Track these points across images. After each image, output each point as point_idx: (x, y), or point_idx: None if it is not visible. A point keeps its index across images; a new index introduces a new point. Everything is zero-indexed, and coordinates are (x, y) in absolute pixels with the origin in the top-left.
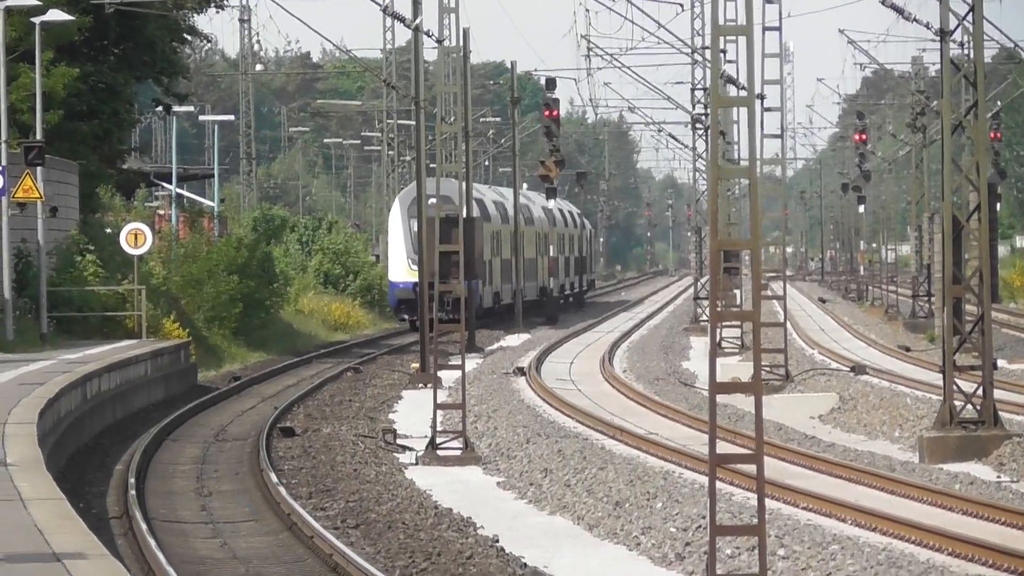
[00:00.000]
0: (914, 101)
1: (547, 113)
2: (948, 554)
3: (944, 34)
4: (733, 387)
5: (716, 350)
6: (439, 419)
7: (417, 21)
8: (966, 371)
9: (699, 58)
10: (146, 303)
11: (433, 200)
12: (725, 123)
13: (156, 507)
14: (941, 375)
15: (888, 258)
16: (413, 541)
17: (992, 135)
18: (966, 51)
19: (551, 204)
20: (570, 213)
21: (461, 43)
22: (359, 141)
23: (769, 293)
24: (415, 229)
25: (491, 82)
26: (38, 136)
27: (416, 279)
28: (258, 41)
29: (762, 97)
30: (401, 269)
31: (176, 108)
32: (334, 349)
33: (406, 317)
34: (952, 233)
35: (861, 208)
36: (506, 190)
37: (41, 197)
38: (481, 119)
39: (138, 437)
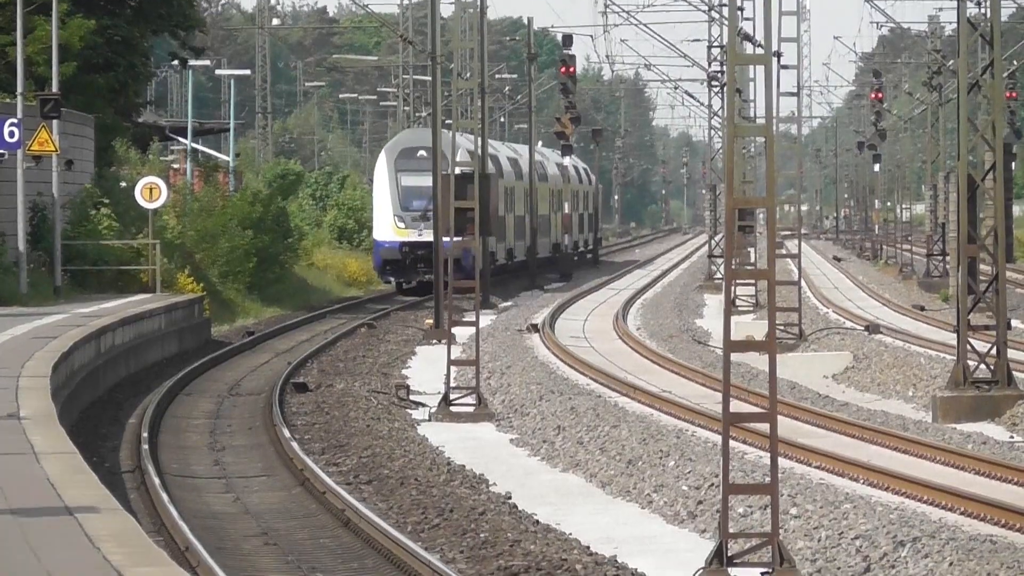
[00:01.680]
0: (930, 60)
1: (563, 70)
2: (960, 513)
3: None
4: (747, 345)
5: (730, 308)
6: (453, 375)
7: None
8: (980, 331)
9: (716, 15)
10: (160, 257)
11: (423, 153)
12: (741, 81)
13: (169, 461)
14: (955, 334)
15: (903, 217)
16: (426, 497)
17: (1008, 94)
18: (983, 10)
19: (566, 161)
20: (584, 170)
21: None
22: (375, 96)
23: (784, 251)
24: (404, 183)
25: (507, 38)
26: (54, 89)
27: (403, 238)
28: None
29: (779, 55)
30: (387, 227)
31: (192, 62)
32: (348, 305)
33: (392, 279)
34: (967, 192)
35: (876, 167)
36: (520, 146)
37: (56, 150)
38: (497, 75)
39: (151, 391)
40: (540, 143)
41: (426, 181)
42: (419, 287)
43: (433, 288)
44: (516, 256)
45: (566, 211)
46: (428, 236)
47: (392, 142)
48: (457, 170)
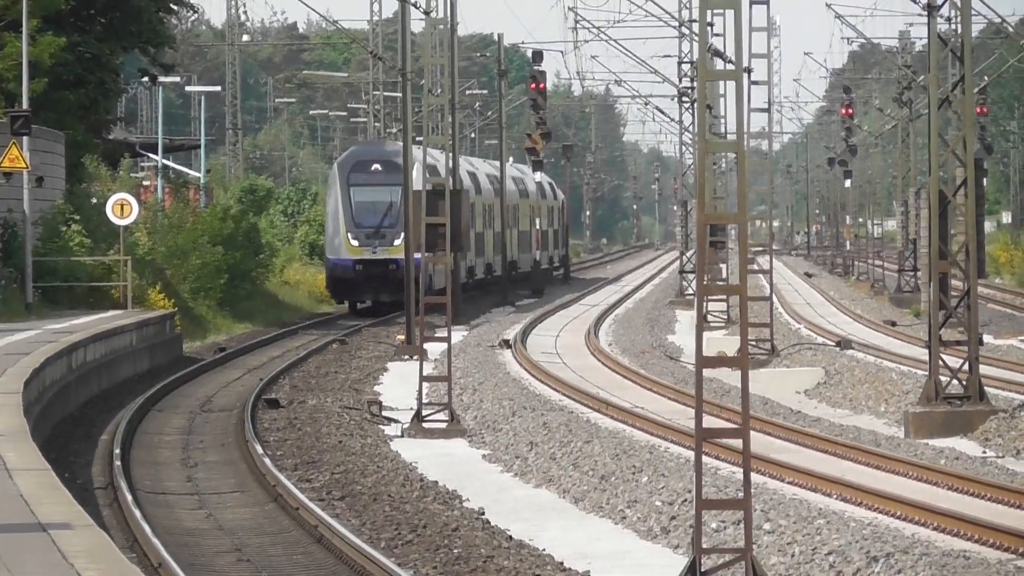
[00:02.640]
0: (901, 76)
1: (533, 86)
2: (933, 528)
3: (932, 8)
4: (719, 361)
5: (702, 324)
6: (425, 391)
7: None
8: (952, 346)
9: (686, 31)
10: (132, 273)
11: (377, 167)
12: (712, 97)
13: (142, 477)
14: (927, 350)
15: (874, 233)
16: (399, 513)
17: (978, 110)
18: (953, 26)
19: (537, 177)
20: (551, 185)
21: (448, 15)
22: (345, 112)
23: (755, 267)
24: (357, 199)
25: (478, 54)
26: (24, 105)
27: (356, 256)
28: (244, 11)
29: (749, 71)
30: (339, 244)
31: (162, 78)
32: (320, 321)
33: (344, 299)
34: (939, 208)
35: (847, 182)
36: (522, 165)
37: (27, 166)
38: (468, 91)
39: (124, 407)
40: (511, 159)
41: (380, 196)
42: (373, 307)
43: (405, 306)
44: (495, 271)
45: (540, 227)
46: (383, 254)
47: (345, 155)
48: (428, 186)
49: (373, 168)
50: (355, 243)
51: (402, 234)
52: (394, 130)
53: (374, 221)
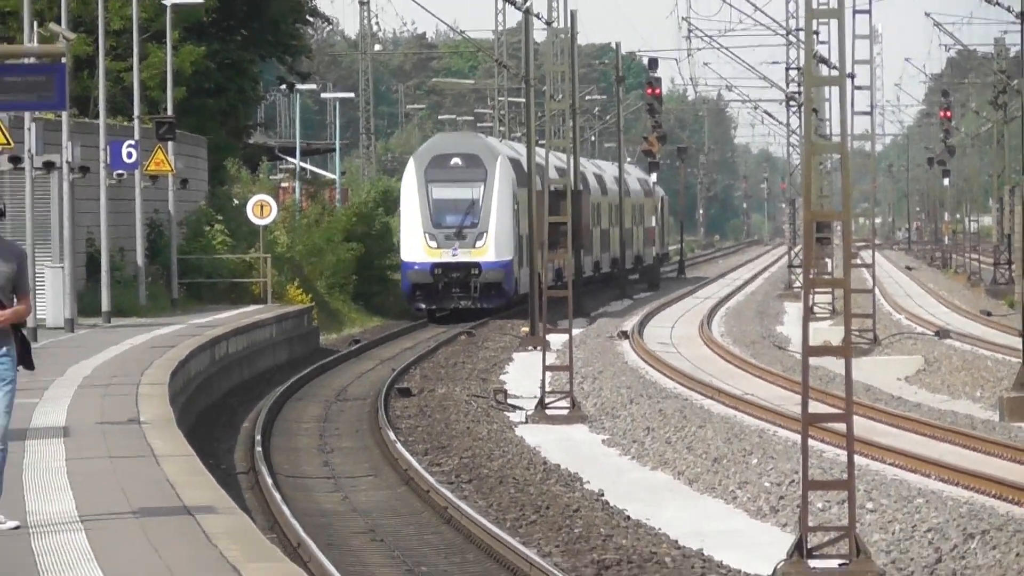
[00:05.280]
0: (996, 80)
1: (649, 91)
2: None
3: None
4: (825, 350)
5: (809, 315)
6: (548, 380)
7: (528, 3)
8: None
9: (793, 39)
10: (271, 270)
11: (457, 161)
12: (818, 101)
13: (281, 463)
14: (1020, 338)
15: (971, 228)
16: (523, 495)
17: None
18: None
19: (638, 174)
20: (648, 182)
21: (569, 25)
22: (472, 117)
23: (859, 261)
24: (435, 196)
25: (597, 62)
26: (168, 112)
27: (435, 259)
28: (377, 22)
29: (853, 76)
30: (417, 246)
31: (299, 86)
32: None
33: (423, 306)
34: None
35: (946, 181)
36: (604, 163)
37: (172, 170)
38: (587, 97)
39: (264, 397)
40: (628, 160)
41: (461, 193)
42: (453, 315)
43: (529, 301)
44: (602, 268)
45: (651, 224)
46: (464, 256)
47: (422, 148)
48: (551, 186)
49: (453, 163)
50: (433, 244)
51: (484, 235)
52: (519, 134)
53: (454, 220)
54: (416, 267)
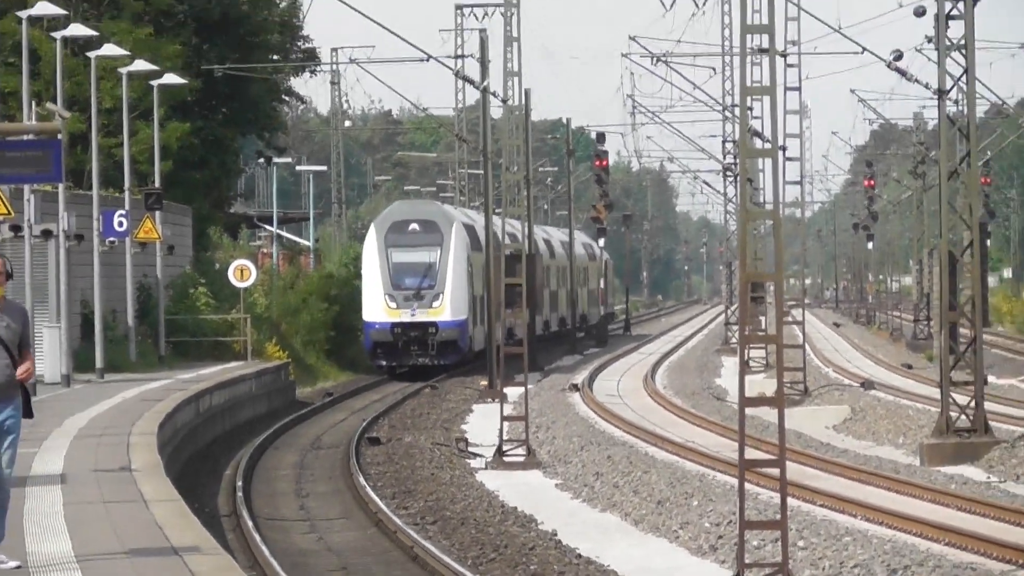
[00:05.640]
0: (915, 151)
1: (598, 163)
2: (945, 544)
3: (941, 93)
4: (759, 401)
5: (744, 368)
6: (505, 429)
7: (485, 83)
8: (961, 386)
9: (729, 115)
10: (251, 329)
11: (415, 227)
12: (752, 171)
13: (261, 506)
14: (939, 389)
15: (893, 288)
16: (483, 535)
17: (983, 180)
18: (960, 108)
19: (583, 239)
20: (590, 245)
21: (523, 102)
22: (435, 188)
23: (790, 319)
24: (395, 259)
25: (549, 136)
26: (156, 184)
27: (395, 319)
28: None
29: (784, 148)
30: (377, 307)
31: (276, 159)
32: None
33: (383, 363)
34: (948, 266)
35: (870, 244)
36: (551, 228)
37: (159, 237)
38: (540, 168)
39: (244, 445)
40: (578, 226)
41: (419, 257)
42: (412, 371)
43: (487, 357)
44: (551, 327)
45: (597, 285)
46: (422, 316)
47: (383, 215)
48: (507, 251)
49: (411, 228)
50: (393, 305)
51: (440, 295)
52: (477, 203)
53: (412, 283)
54: (377, 326)
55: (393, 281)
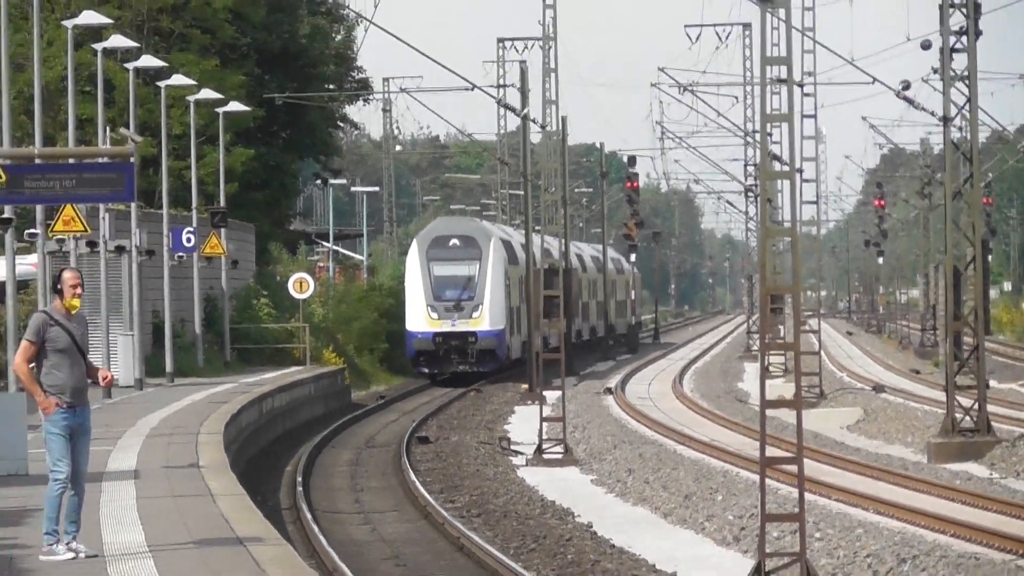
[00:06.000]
0: (922, 174)
1: (629, 184)
2: (951, 535)
3: (946, 120)
4: (779, 403)
5: (765, 373)
6: (544, 429)
7: (525, 111)
8: (964, 390)
9: (750, 140)
10: (309, 337)
11: (456, 242)
12: (771, 192)
13: (318, 500)
14: (945, 393)
15: (901, 300)
16: (524, 527)
17: (984, 200)
18: (964, 134)
19: (613, 254)
20: (632, 263)
21: (560, 128)
22: (479, 207)
23: (807, 328)
24: (436, 273)
25: (584, 159)
26: (221, 203)
27: (436, 328)
28: (397, 127)
29: (801, 171)
30: (420, 317)
31: (332, 181)
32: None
33: (425, 370)
34: (953, 279)
35: (880, 260)
36: (583, 244)
37: (224, 253)
38: (576, 189)
39: (303, 444)
40: (611, 242)
41: (459, 270)
42: (452, 378)
43: (528, 363)
44: (583, 335)
45: (627, 297)
46: (462, 326)
47: (424, 231)
48: (545, 265)
49: (452, 243)
50: (434, 316)
51: (479, 306)
52: (517, 221)
53: (453, 294)
54: (420, 335)
55: (435, 293)
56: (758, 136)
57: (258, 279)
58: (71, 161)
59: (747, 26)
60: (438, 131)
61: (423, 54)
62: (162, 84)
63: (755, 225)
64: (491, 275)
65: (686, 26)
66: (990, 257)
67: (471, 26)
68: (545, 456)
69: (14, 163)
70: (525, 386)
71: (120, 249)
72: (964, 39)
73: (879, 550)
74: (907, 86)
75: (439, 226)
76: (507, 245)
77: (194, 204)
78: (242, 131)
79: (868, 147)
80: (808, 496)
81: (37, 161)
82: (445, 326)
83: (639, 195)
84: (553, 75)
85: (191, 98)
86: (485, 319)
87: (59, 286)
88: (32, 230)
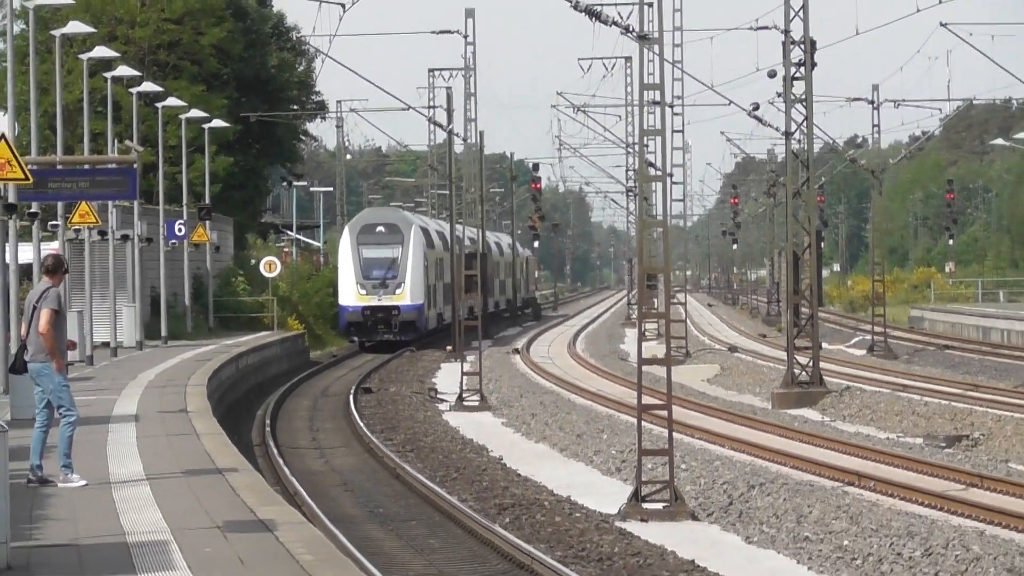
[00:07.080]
0: (768, 177)
1: (533, 186)
2: (790, 467)
3: (788, 135)
4: (652, 361)
5: (641, 337)
6: (464, 382)
7: (450, 127)
8: (802, 350)
9: (631, 151)
10: (276, 307)
11: (381, 228)
12: (647, 192)
13: (283, 438)
14: (786, 352)
15: (751, 278)
16: (447, 459)
17: (819, 199)
18: (802, 145)
19: (508, 240)
20: (532, 249)
21: (478, 141)
22: (413, 204)
23: (675, 301)
24: (364, 255)
25: (497, 165)
26: (207, 201)
27: (365, 303)
28: (347, 139)
29: (671, 175)
30: (351, 293)
31: (295, 183)
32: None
33: (355, 339)
34: (793, 262)
35: (735, 246)
36: (491, 233)
37: (208, 240)
38: (491, 190)
39: (271, 394)
40: (519, 232)
41: (384, 253)
42: (379, 345)
43: (452, 329)
44: (499, 306)
45: (528, 276)
46: (387, 301)
47: (355, 219)
48: (465, 251)
49: (378, 230)
50: (363, 292)
51: (402, 284)
52: (444, 215)
53: (379, 274)
54: (350, 309)
55: (363, 272)
56: (637, 147)
57: (236, 261)
58: (86, 167)
59: (628, 59)
60: (381, 143)
61: (369, 81)
62: (159, 105)
63: (634, 218)
64: (412, 257)
65: (579, 59)
66: (823, 244)
67: (408, 59)
68: (465, 403)
69: (40, 168)
70: (449, 347)
71: (125, 237)
72: (802, 69)
73: (733, 478)
74: (757, 107)
75: (367, 215)
76: (426, 232)
77: (185, 201)
78: (224, 143)
79: (725, 156)
80: (676, 435)
81: (59, 167)
82: (372, 301)
83: (541, 194)
84: (473, 98)
85: (183, 116)
86: (407, 295)
87: (65, 268)
88: (54, 221)
